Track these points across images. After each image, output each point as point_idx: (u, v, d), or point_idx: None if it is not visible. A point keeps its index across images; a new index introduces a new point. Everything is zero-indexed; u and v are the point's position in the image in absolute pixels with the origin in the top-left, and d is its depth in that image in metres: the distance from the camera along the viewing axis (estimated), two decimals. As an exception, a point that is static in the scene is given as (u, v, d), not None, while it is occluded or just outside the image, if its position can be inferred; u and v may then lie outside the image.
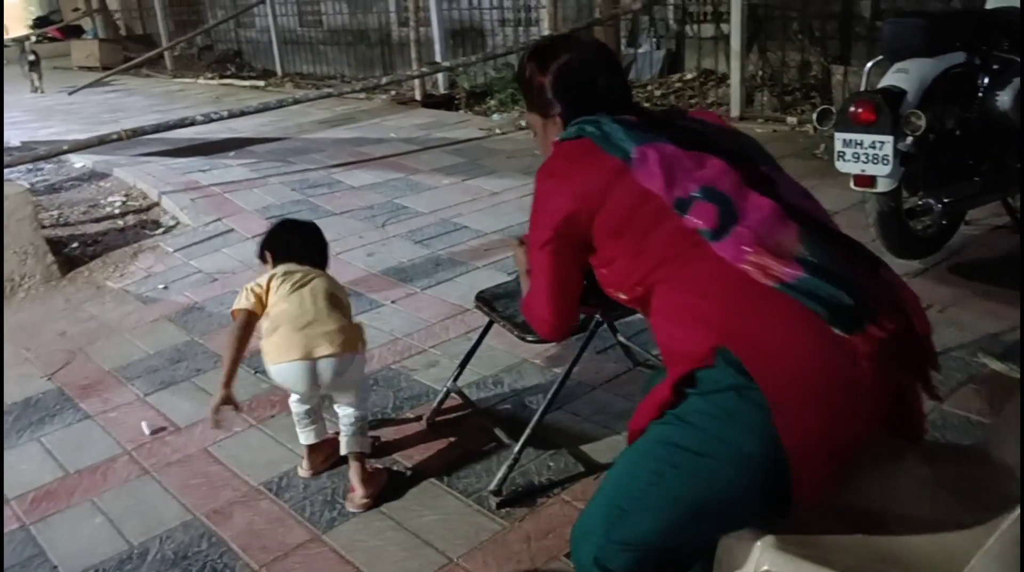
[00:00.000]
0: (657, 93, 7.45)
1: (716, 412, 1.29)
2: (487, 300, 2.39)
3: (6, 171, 5.10)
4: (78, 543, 2.21)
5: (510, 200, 4.73)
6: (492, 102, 7.69)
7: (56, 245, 4.38)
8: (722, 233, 1.35)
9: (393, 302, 3.53)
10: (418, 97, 7.81)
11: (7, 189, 4.29)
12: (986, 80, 3.14)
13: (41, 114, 8.81)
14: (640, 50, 8.26)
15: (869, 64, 3.37)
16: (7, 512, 2.36)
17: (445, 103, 7.82)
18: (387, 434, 2.56)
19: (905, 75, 2.99)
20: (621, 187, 1.42)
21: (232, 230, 4.55)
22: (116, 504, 2.37)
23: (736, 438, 1.27)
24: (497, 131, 6.51)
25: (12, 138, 7.29)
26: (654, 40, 8.22)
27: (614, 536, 1.31)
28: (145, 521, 2.27)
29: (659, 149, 1.43)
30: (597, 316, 2.17)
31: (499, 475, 2.19)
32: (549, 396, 2.22)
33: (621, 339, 2.83)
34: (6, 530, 2.28)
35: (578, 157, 1.49)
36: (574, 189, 1.46)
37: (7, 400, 2.99)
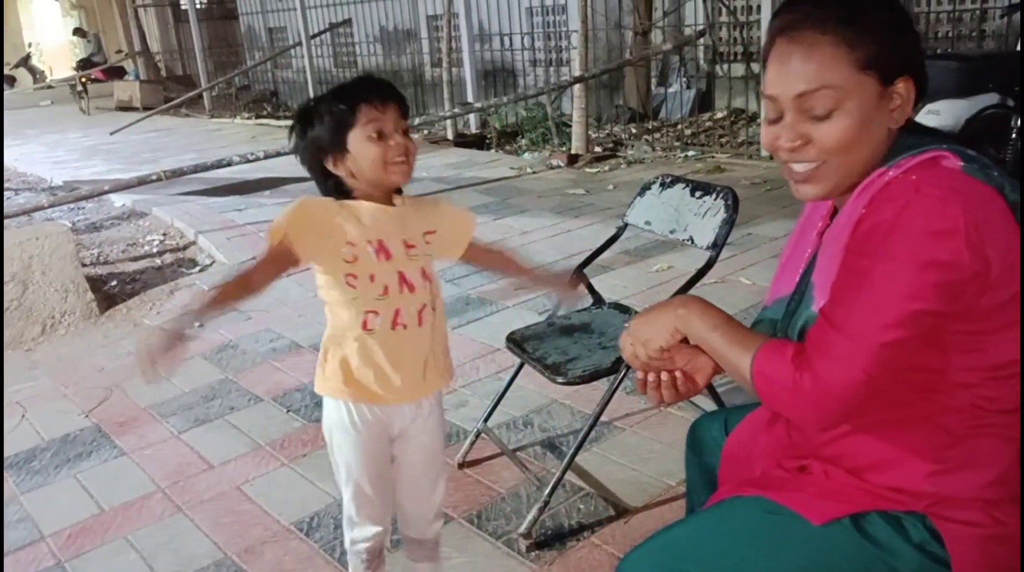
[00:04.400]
0: (688, 132, 7.49)
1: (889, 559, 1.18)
2: (518, 341, 2.40)
3: (51, 210, 5.24)
4: (112, 580, 2.23)
5: (541, 239, 4.76)
6: (523, 141, 7.77)
7: (96, 283, 4.47)
8: None
9: (424, 341, 3.55)
10: (450, 136, 7.91)
11: (50, 228, 4.40)
12: (1019, 121, 3.13)
13: (84, 153, 9.05)
14: (671, 90, 8.33)
15: (900, 105, 3.38)
16: (43, 548, 2.40)
17: (477, 142, 7.91)
18: (417, 474, 2.56)
19: (937, 116, 3.00)
20: None
21: (266, 268, 4.62)
22: (150, 541, 2.39)
23: None
24: (528, 170, 6.56)
25: (55, 177, 7.49)
26: (684, 80, 8.28)
27: None
28: (178, 559, 2.29)
29: None
30: (627, 358, 2.18)
31: (529, 517, 2.18)
32: (579, 438, 2.21)
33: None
34: (41, 567, 2.32)
35: (992, 223, 1.08)
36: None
37: (47, 436, 3.04)
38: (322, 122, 1.53)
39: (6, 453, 2.96)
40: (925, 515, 1.17)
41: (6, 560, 2.36)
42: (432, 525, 1.82)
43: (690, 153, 6.69)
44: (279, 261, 1.53)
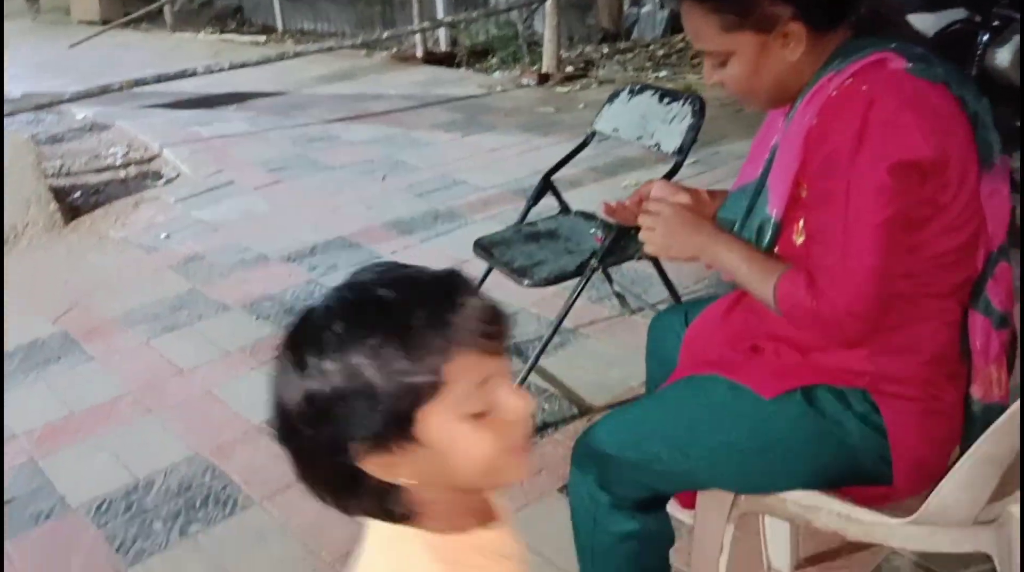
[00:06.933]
0: (660, 53, 7.42)
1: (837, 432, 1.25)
2: (486, 246, 2.43)
3: (8, 122, 5.11)
4: (84, 476, 2.27)
5: (509, 157, 4.74)
6: (493, 60, 7.66)
7: (59, 194, 4.39)
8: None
9: (393, 253, 3.57)
10: (419, 54, 7.77)
11: (9, 137, 4.30)
12: (985, 37, 3.15)
13: (41, 67, 8.76)
14: (644, 9, 8.21)
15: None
16: (16, 446, 2.42)
17: (446, 61, 7.77)
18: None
19: (904, 31, 3.00)
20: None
21: (232, 182, 4.57)
22: (120, 441, 2.43)
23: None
24: (498, 88, 6.49)
25: (13, 90, 7.26)
26: (657, 0, 8.17)
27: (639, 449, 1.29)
28: (149, 457, 2.33)
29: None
30: (592, 261, 2.22)
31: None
32: (544, 340, 2.27)
33: (616, 288, 2.88)
34: (14, 464, 2.35)
35: (943, 119, 1.14)
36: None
37: (14, 342, 3.03)
38: (358, 384, 0.71)
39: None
40: (867, 390, 1.23)
41: (-22, 458, 2.39)
42: None
43: (662, 74, 6.64)
44: None
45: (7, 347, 2.99)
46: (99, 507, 2.14)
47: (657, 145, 2.31)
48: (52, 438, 2.45)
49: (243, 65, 5.68)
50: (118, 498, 2.16)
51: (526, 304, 2.95)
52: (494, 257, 2.37)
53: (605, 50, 7.68)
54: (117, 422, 2.52)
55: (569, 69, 6.92)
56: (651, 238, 1.35)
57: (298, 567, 1.91)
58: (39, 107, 5.37)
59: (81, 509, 2.14)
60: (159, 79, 5.30)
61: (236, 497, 2.13)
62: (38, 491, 2.22)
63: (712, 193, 1.48)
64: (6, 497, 2.20)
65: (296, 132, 5.42)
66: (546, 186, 2.59)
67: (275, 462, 2.22)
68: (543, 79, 6.61)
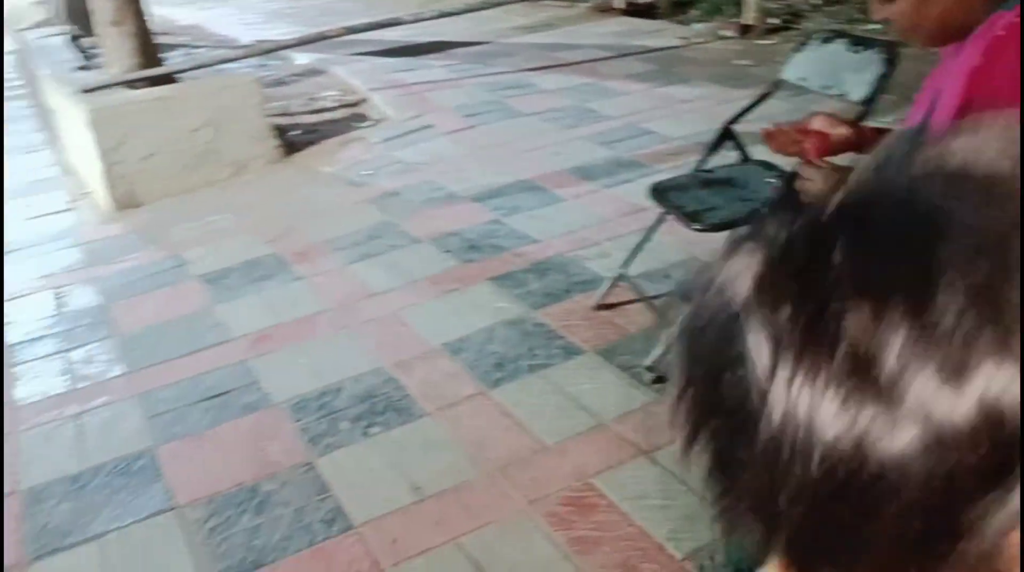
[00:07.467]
0: (874, 4, 6.99)
1: None
2: (661, 191, 2.48)
3: (238, 64, 5.65)
4: (286, 377, 2.57)
5: (699, 108, 4.69)
6: (694, 12, 7.49)
7: (279, 132, 4.83)
8: None
9: (575, 197, 3.67)
10: (620, 5, 7.74)
11: (239, 78, 4.77)
12: None
13: (269, 16, 9.50)
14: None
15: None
16: (231, 348, 2.77)
17: (647, 12, 7.69)
18: (557, 313, 2.74)
19: None
20: None
21: (431, 126, 4.83)
22: (317, 351, 2.72)
23: None
24: (696, 40, 6.38)
25: (245, 37, 7.96)
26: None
27: None
28: (340, 366, 2.60)
29: None
30: (765, 210, 2.21)
31: (656, 353, 2.32)
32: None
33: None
34: (230, 362, 2.69)
35: None
36: None
37: (235, 260, 3.42)
38: None
39: (209, 268, 3.37)
40: None
41: (203, 354, 2.76)
42: None
43: (874, 27, 6.26)
44: None
45: (231, 262, 3.39)
46: (296, 404, 2.43)
47: (844, 94, 2.25)
48: (261, 343, 2.78)
49: (448, 14, 5.92)
50: (312, 398, 2.44)
51: (699, 252, 2.96)
52: (668, 201, 2.41)
53: (815, 1, 7.31)
54: (315, 334, 2.82)
55: (773, 21, 6.67)
56: (809, 195, 1.37)
57: (462, 473, 2.10)
58: (264, 52, 5.88)
59: (281, 405, 2.44)
60: (370, 27, 5.64)
61: (411, 408, 2.34)
62: (248, 386, 2.54)
63: (877, 130, 1.47)
64: (219, 390, 2.54)
65: (492, 79, 5.62)
66: (725, 135, 2.59)
67: (448, 381, 2.44)
68: (744, 31, 6.42)
